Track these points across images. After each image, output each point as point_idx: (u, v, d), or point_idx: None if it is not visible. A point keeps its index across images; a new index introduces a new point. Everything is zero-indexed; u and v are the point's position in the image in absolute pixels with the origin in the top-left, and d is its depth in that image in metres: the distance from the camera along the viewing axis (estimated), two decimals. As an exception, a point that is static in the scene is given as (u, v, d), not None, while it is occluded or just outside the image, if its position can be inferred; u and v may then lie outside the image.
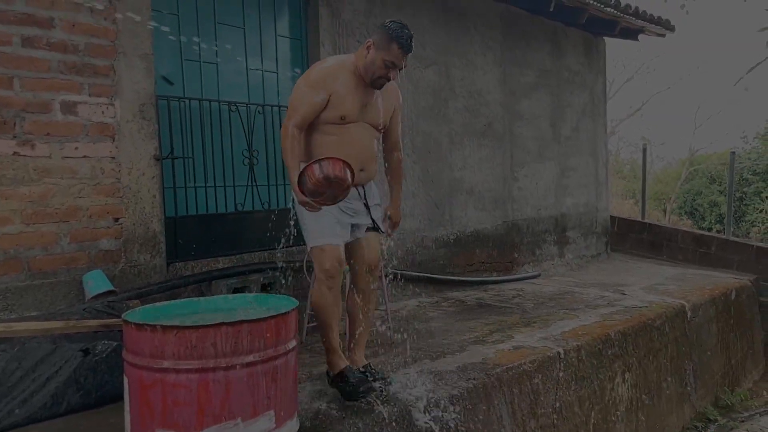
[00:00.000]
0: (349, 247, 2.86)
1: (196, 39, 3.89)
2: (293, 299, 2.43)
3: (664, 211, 14.00)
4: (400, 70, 2.72)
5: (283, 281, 3.96)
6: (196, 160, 3.84)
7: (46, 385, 2.52)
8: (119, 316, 2.74)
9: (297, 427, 2.31)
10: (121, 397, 2.32)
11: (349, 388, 2.66)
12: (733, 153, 8.72)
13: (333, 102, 2.68)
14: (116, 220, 3.38)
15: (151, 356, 2.05)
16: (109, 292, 3.17)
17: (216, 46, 4.01)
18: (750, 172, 11.67)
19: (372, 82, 2.71)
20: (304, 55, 4.49)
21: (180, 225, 3.76)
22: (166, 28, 3.71)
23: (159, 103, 3.57)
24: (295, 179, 2.52)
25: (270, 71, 4.32)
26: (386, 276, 4.01)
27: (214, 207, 3.95)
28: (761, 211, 11.12)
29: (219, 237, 3.95)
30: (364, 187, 2.86)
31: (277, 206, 4.27)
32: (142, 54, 3.45)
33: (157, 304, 2.44)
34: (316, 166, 2.48)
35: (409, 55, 2.73)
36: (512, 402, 3.21)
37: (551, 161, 6.64)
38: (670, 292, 5.38)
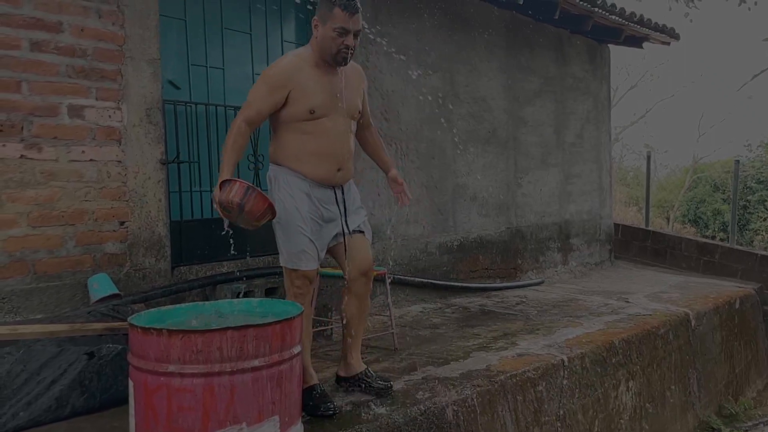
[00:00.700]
0: (336, 250, 2.78)
1: (202, 44, 3.91)
2: (298, 305, 2.43)
3: (668, 218, 13.98)
4: (356, 36, 2.56)
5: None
6: (201, 164, 3.85)
7: (50, 388, 2.52)
8: (124, 320, 2.75)
9: (301, 433, 2.31)
10: (125, 401, 2.32)
11: (311, 403, 2.61)
12: (737, 161, 8.72)
13: (295, 97, 2.55)
14: (122, 223, 3.39)
15: (157, 360, 2.05)
16: (114, 296, 3.17)
17: (222, 51, 4.02)
18: (754, 181, 11.65)
19: (334, 58, 2.57)
20: (309, 61, 4.50)
21: (185, 229, 3.77)
22: (173, 33, 3.73)
23: (165, 108, 3.59)
24: (223, 177, 2.41)
25: (276, 76, 4.33)
26: (390, 282, 4.01)
27: (230, 221, 3.95)
28: (765, 220, 11.10)
29: (223, 241, 3.95)
30: (342, 189, 2.74)
31: (282, 211, 4.27)
32: (150, 59, 3.47)
33: (163, 307, 2.44)
34: (240, 187, 2.36)
35: (358, 16, 2.53)
36: (516, 409, 3.20)
37: (555, 168, 6.64)
38: (674, 301, 5.37)
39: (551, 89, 6.55)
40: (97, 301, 3.13)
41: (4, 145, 2.99)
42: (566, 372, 3.57)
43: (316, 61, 2.61)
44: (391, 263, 4.87)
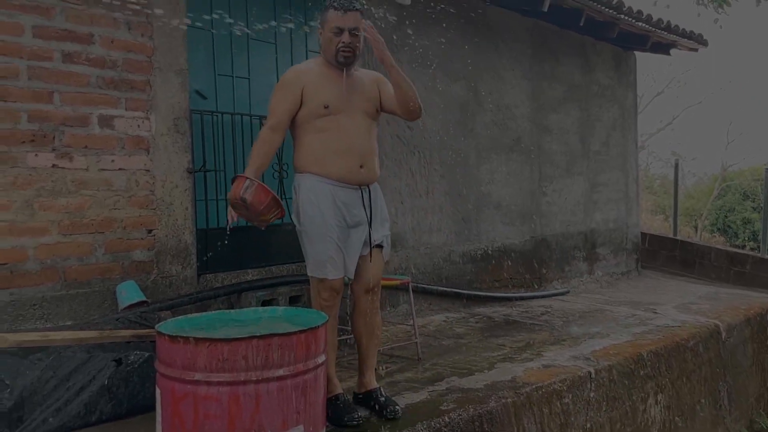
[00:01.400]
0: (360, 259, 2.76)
1: (229, 54, 3.96)
2: (323, 314, 2.43)
3: (696, 227, 13.72)
4: (355, 33, 2.57)
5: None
6: (227, 173, 3.88)
7: (79, 395, 2.55)
8: (151, 327, 2.78)
9: (325, 443, 2.30)
10: (151, 408, 2.34)
11: (335, 413, 2.59)
12: (768, 169, 8.53)
13: (308, 94, 2.60)
14: (149, 231, 3.44)
15: (183, 368, 2.07)
16: (142, 303, 3.21)
17: (248, 61, 4.07)
18: (785, 189, 11.37)
19: (336, 57, 2.61)
20: (334, 70, 4.53)
21: (211, 237, 3.81)
22: (200, 44, 3.79)
23: (192, 117, 3.63)
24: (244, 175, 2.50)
25: (300, 86, 4.37)
26: (412, 291, 3.99)
27: (244, 219, 3.99)
28: (797, 229, 10.82)
29: (248, 249, 3.98)
30: (369, 189, 2.70)
31: (306, 219, 4.29)
32: (178, 69, 3.52)
33: (189, 315, 2.46)
34: (240, 181, 2.45)
35: (352, 14, 2.56)
36: (542, 422, 3.16)
37: (580, 176, 6.57)
38: (704, 312, 5.26)
39: (576, 97, 6.49)
40: (125, 308, 3.17)
41: (36, 155, 3.06)
42: (593, 384, 3.51)
43: (325, 65, 2.68)
44: (414, 272, 4.85)
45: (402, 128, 4.79)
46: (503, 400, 2.99)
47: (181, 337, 2.07)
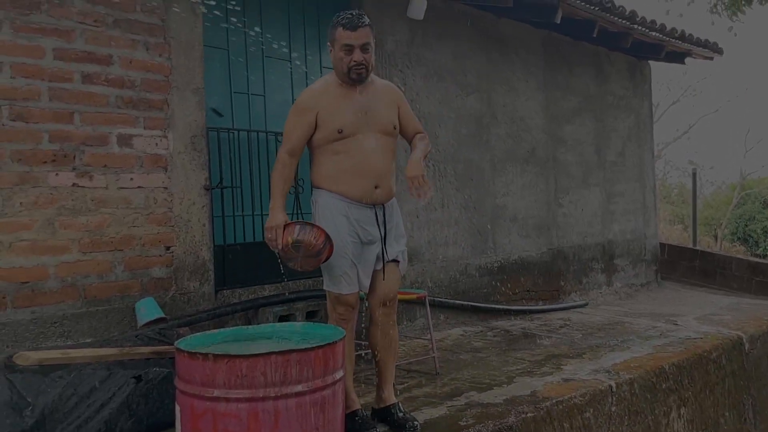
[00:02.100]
0: (373, 275, 2.75)
1: (244, 72, 4.01)
2: (340, 329, 2.43)
3: (715, 237, 13.54)
4: (365, 49, 2.58)
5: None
6: (244, 190, 3.92)
7: (99, 412, 2.57)
8: (170, 343, 2.79)
9: (344, 459, 2.29)
10: (171, 425, 2.35)
11: (353, 429, 2.57)
12: (789, 177, 8.40)
13: (323, 118, 2.60)
14: (168, 248, 3.47)
15: (203, 385, 2.07)
16: (160, 320, 3.24)
17: (264, 78, 4.11)
18: (806, 197, 11.21)
19: (348, 76, 2.60)
20: (348, 86, 4.56)
21: (228, 253, 3.83)
22: (216, 62, 3.84)
23: (209, 135, 3.68)
24: (273, 204, 2.59)
25: (315, 102, 4.41)
26: (429, 305, 3.97)
27: (261, 235, 4.00)
28: (820, 238, 10.65)
29: (265, 265, 3.99)
30: (384, 208, 2.70)
31: (322, 234, 4.30)
32: (195, 88, 3.58)
33: (208, 332, 2.47)
34: (294, 227, 2.51)
35: (362, 30, 2.56)
36: (563, 436, 3.12)
37: (596, 187, 6.53)
38: (726, 323, 5.17)
39: (591, 107, 6.47)
40: (144, 325, 3.20)
41: (57, 174, 3.11)
42: (614, 398, 3.46)
43: (339, 84, 2.67)
44: (430, 285, 4.84)
45: (416, 142, 4.79)
46: (523, 415, 2.96)
47: (200, 353, 2.08)
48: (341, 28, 2.58)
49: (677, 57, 7.07)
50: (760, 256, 10.97)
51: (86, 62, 3.21)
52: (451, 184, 5.07)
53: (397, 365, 3.42)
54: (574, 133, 6.25)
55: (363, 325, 3.82)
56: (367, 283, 2.70)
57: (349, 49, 2.57)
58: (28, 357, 2.60)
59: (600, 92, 6.60)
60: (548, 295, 5.87)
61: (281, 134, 4.03)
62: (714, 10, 6.73)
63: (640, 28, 5.90)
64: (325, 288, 2.71)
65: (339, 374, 2.25)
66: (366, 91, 2.68)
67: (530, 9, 5.09)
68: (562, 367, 3.78)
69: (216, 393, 2.05)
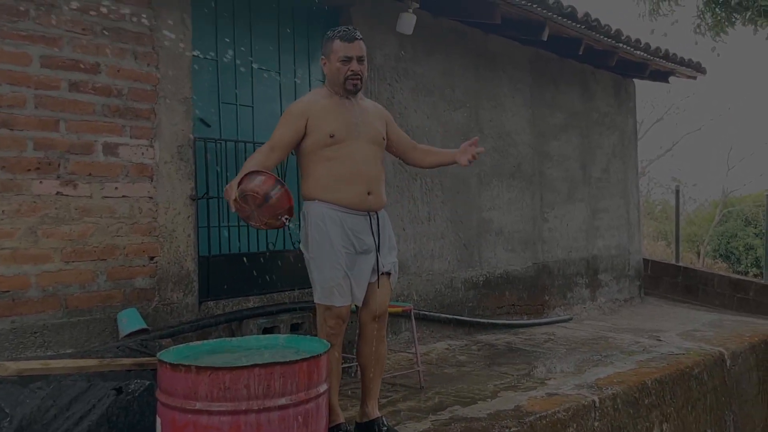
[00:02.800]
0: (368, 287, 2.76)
1: (233, 83, 4.01)
2: (325, 341, 2.42)
3: (698, 253, 13.69)
4: (360, 61, 2.66)
5: (313, 322, 3.96)
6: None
7: (79, 424, 2.52)
8: (152, 355, 2.76)
9: (327, 474, 2.27)
10: (152, 438, 2.31)
11: None
12: (769, 195, 8.54)
13: (313, 125, 2.65)
14: (151, 258, 3.44)
15: (185, 397, 2.05)
16: (143, 330, 3.20)
17: (252, 89, 4.12)
18: (787, 215, 11.37)
19: (344, 86, 2.67)
20: (336, 98, 4.58)
21: (213, 264, 3.81)
22: (204, 72, 3.84)
23: (196, 145, 3.67)
24: (238, 177, 2.47)
25: (303, 114, 4.41)
26: (414, 318, 3.97)
27: (246, 246, 3.99)
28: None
29: (250, 276, 3.98)
30: (378, 216, 2.73)
31: (308, 246, 4.29)
32: (182, 98, 3.57)
33: (191, 343, 2.45)
34: (269, 179, 2.40)
35: (358, 43, 2.66)
36: (546, 452, 3.12)
37: (581, 203, 6.59)
38: (708, 339, 5.22)
39: (576, 124, 6.54)
40: (125, 336, 3.16)
41: (41, 182, 3.08)
42: (597, 413, 3.47)
43: (331, 95, 2.73)
44: (416, 298, 4.83)
45: (404, 155, 4.81)
46: (507, 430, 2.96)
47: (183, 365, 2.07)
48: (338, 40, 2.67)
49: (661, 76, 7.19)
50: (742, 273, 11.10)
51: (73, 70, 3.19)
52: (438, 197, 5.09)
53: (381, 378, 3.41)
54: (559, 149, 6.31)
55: (349, 339, 3.81)
56: (361, 295, 2.70)
57: (347, 60, 2.65)
58: (7, 367, 2.55)
59: (586, 109, 6.68)
60: (533, 309, 5.89)
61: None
62: (698, 31, 6.85)
63: (625, 46, 6.00)
64: (316, 301, 2.69)
65: (323, 387, 2.24)
66: (357, 104, 2.76)
67: (518, 26, 5.16)
68: (546, 381, 3.79)
69: (198, 405, 2.03)
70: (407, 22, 4.47)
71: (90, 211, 3.23)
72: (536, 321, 5.73)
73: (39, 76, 3.09)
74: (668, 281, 8.04)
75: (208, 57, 3.88)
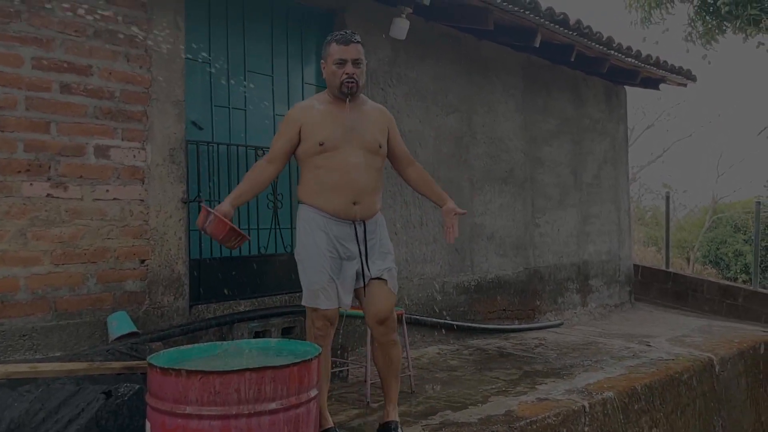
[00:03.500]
0: (358, 293, 2.77)
1: (225, 86, 4.01)
2: (316, 346, 2.42)
3: (688, 259, 13.77)
4: (356, 64, 2.67)
5: (304, 326, 3.95)
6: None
7: (67, 428, 2.50)
8: (142, 358, 2.75)
9: (317, 478, 2.26)
10: (141, 442, 2.30)
11: None
12: (759, 203, 8.61)
13: (306, 132, 2.67)
14: (142, 261, 3.42)
15: (175, 401, 2.04)
16: (132, 334, 3.18)
17: (245, 92, 4.11)
18: (776, 222, 11.47)
19: (340, 89, 2.67)
20: (329, 102, 4.58)
21: (204, 267, 3.80)
22: (197, 75, 3.83)
23: (188, 148, 3.66)
24: (223, 201, 2.68)
25: (296, 117, 4.41)
26: (406, 322, 3.97)
27: (238, 250, 3.98)
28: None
29: (241, 280, 3.97)
30: (365, 226, 2.71)
31: (300, 250, 4.29)
32: (175, 101, 3.56)
33: (181, 347, 2.44)
34: (203, 213, 2.59)
35: (354, 46, 2.68)
36: (536, 457, 3.12)
37: (573, 208, 6.62)
38: (697, 345, 5.25)
39: (568, 130, 6.58)
40: (115, 339, 3.14)
41: (31, 184, 3.06)
42: (587, 418, 3.48)
43: (329, 100, 2.74)
44: (407, 303, 4.84)
45: (396, 160, 4.82)
46: (497, 435, 2.96)
47: (173, 369, 2.06)
48: (335, 43, 2.69)
49: (652, 83, 7.24)
50: (731, 279, 11.17)
51: (65, 72, 3.18)
52: (429, 201, 5.09)
53: (372, 383, 3.41)
54: (551, 155, 6.34)
55: (340, 343, 3.80)
56: (347, 300, 2.70)
57: (342, 63, 2.66)
58: (-5, 371, 2.53)
59: (577, 115, 6.72)
60: (524, 314, 5.91)
61: (261, 149, 4.07)
62: (688, 39, 6.92)
63: (616, 53, 6.04)
64: (303, 303, 2.71)
65: (314, 392, 2.23)
66: (356, 110, 2.74)
67: (510, 32, 5.19)
68: (536, 386, 3.80)
69: (188, 410, 2.02)
70: (401, 27, 4.49)
71: (80, 214, 3.21)
72: (527, 326, 5.75)
73: (30, 77, 3.07)
74: (658, 287, 8.08)
75: (200, 60, 3.87)
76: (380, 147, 2.76)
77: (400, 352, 2.88)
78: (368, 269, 2.71)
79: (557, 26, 5.19)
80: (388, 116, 2.87)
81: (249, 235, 4.14)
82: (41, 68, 3.10)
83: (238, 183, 3.90)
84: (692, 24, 6.72)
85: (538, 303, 6.08)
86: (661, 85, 7.43)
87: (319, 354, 2.30)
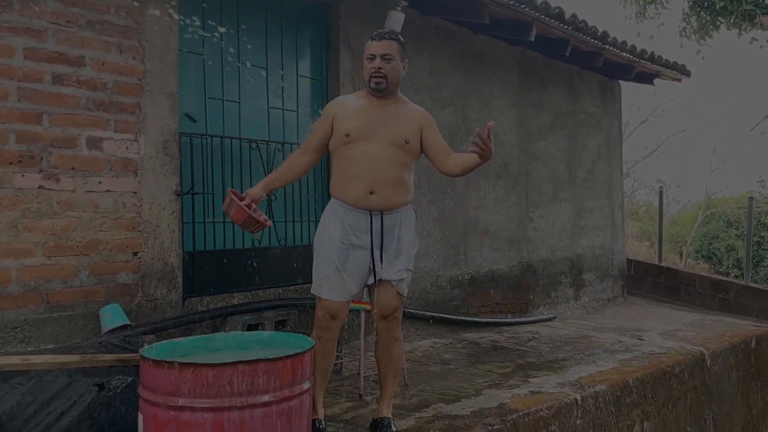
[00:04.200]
0: (369, 287, 2.79)
1: (219, 78, 3.99)
2: (309, 338, 2.42)
3: (681, 254, 13.84)
4: (386, 59, 2.68)
5: (298, 319, 3.95)
6: (215, 196, 3.88)
7: (59, 420, 2.50)
8: (135, 351, 2.74)
9: (310, 471, 2.27)
10: (133, 434, 2.30)
11: None
12: (751, 198, 8.66)
13: (336, 125, 2.73)
14: (135, 254, 3.41)
15: (167, 393, 2.04)
16: (125, 326, 3.17)
17: (239, 85, 4.10)
18: (768, 217, 11.55)
19: (369, 83, 2.71)
20: (324, 95, 4.57)
21: (197, 260, 3.79)
22: (191, 67, 3.81)
23: (182, 140, 3.64)
24: (255, 186, 2.81)
25: (290, 110, 4.40)
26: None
27: (232, 243, 3.98)
28: (780, 257, 10.96)
29: (235, 273, 3.96)
30: (382, 218, 2.69)
31: (294, 243, 4.28)
32: (168, 92, 3.54)
33: (174, 340, 2.44)
34: (227, 199, 2.69)
35: (386, 42, 2.70)
36: (528, 449, 3.14)
37: (567, 203, 6.63)
38: (689, 339, 5.29)
39: (563, 125, 6.58)
40: (108, 332, 3.13)
41: (23, 176, 3.04)
42: (580, 411, 3.50)
43: (365, 96, 2.80)
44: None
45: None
46: (489, 428, 2.97)
47: (166, 362, 2.05)
48: (370, 40, 2.76)
49: (647, 78, 7.25)
50: (723, 274, 11.24)
51: (57, 63, 3.15)
52: (425, 195, 5.10)
53: (365, 376, 3.42)
54: (546, 150, 6.35)
55: (343, 336, 3.80)
56: (356, 290, 2.72)
57: (372, 57, 2.71)
58: (-14, 363, 2.52)
59: (572, 110, 6.73)
60: (517, 308, 5.93)
61: (255, 141, 4.06)
62: (683, 34, 6.93)
63: (611, 48, 6.04)
64: (311, 289, 2.76)
65: (306, 385, 2.23)
66: (389, 106, 2.76)
67: (506, 26, 5.18)
68: (529, 379, 3.82)
69: (181, 402, 2.02)
70: (396, 20, 4.47)
71: (73, 206, 3.19)
72: (520, 320, 5.77)
73: (22, 68, 3.04)
74: (651, 281, 8.13)
75: (195, 51, 3.85)
76: (407, 143, 2.72)
77: (401, 350, 2.89)
78: (380, 265, 2.69)
79: (552, 20, 5.19)
80: (425, 117, 2.84)
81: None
82: (33, 59, 3.08)
83: (231, 175, 3.94)
84: (687, 19, 6.73)
85: (531, 297, 6.10)
86: (656, 80, 7.44)
87: (312, 347, 2.30)
